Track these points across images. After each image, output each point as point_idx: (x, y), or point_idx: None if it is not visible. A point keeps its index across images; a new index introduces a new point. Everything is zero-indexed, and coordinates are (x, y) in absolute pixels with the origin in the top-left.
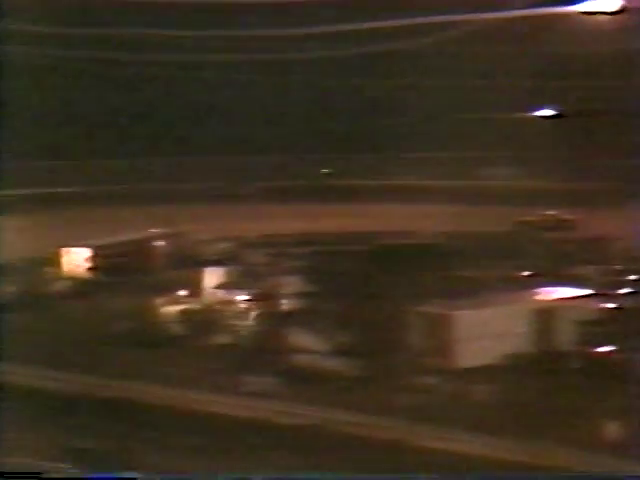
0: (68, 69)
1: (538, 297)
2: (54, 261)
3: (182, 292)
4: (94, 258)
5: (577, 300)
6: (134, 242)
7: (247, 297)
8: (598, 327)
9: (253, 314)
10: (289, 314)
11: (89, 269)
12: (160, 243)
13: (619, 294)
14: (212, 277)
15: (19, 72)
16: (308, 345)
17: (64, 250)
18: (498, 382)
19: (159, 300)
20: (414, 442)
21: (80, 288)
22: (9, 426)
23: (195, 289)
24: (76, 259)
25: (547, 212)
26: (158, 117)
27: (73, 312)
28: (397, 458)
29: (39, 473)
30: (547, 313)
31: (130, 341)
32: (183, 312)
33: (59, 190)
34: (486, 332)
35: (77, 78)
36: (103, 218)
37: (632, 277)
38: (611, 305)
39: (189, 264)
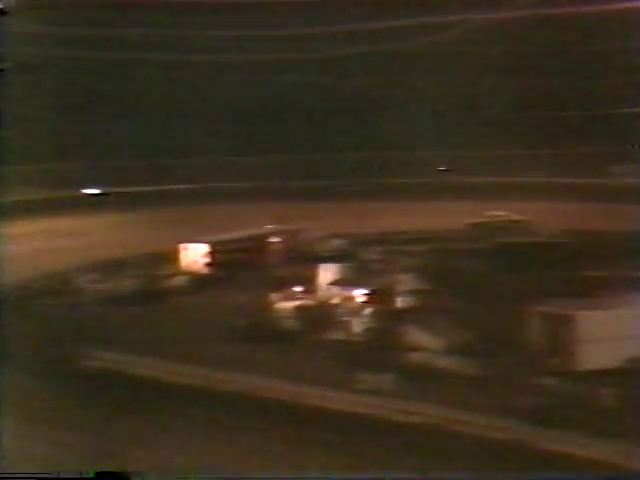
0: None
1: None
2: (172, 256)
3: (297, 288)
4: (211, 254)
5: None
6: (250, 238)
7: (362, 294)
8: None
9: (368, 311)
10: (404, 312)
11: (206, 264)
12: (275, 240)
13: None
14: (327, 274)
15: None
16: (424, 343)
17: (182, 246)
18: (621, 386)
19: (274, 296)
20: (532, 444)
21: (197, 283)
22: (125, 417)
23: (310, 285)
24: (193, 254)
25: None
26: (273, 116)
27: (190, 306)
28: (514, 460)
29: (38, 473)
30: None
31: (246, 336)
32: (298, 308)
33: (178, 187)
34: (610, 334)
35: (193, 78)
36: (220, 215)
37: None
38: None
39: (304, 261)
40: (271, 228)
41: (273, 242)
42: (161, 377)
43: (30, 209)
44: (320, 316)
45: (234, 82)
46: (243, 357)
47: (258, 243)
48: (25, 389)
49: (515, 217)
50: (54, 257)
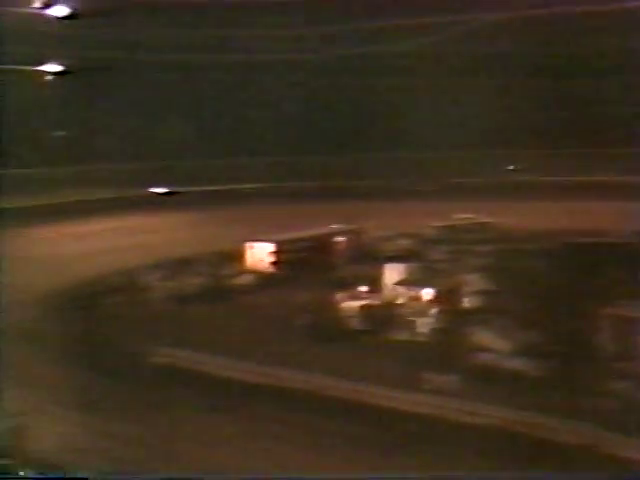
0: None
1: None
2: (238, 255)
3: (362, 288)
4: (277, 253)
5: None
6: (316, 238)
7: (428, 294)
8: None
9: (434, 311)
10: (470, 312)
11: (272, 263)
12: (341, 239)
13: None
14: (392, 273)
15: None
16: (490, 344)
17: (248, 245)
18: None
19: (339, 295)
20: (601, 447)
21: (262, 282)
22: (187, 411)
23: (375, 285)
24: (259, 253)
25: None
26: (339, 115)
27: (255, 305)
28: (582, 463)
29: (44, 474)
30: None
31: (311, 335)
32: (363, 307)
33: (244, 187)
34: None
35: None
36: (286, 214)
37: None
38: None
39: (369, 260)
40: (337, 227)
41: (338, 241)
42: (226, 374)
43: (100, 208)
44: (385, 316)
45: (301, 82)
46: (307, 356)
47: (323, 242)
48: (95, 386)
49: (483, 219)
50: (123, 255)
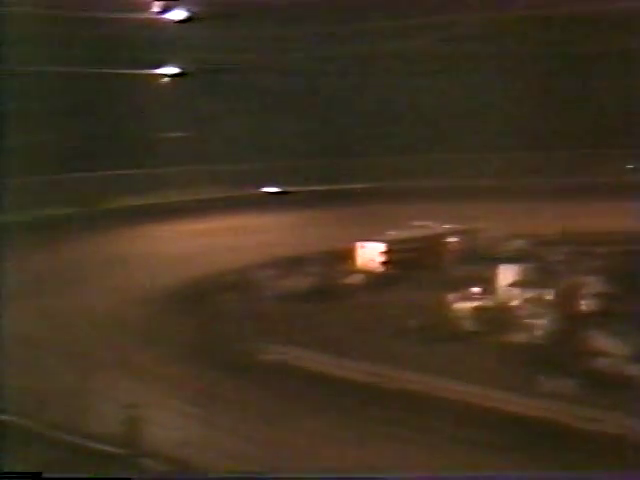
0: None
1: None
2: (349, 255)
3: (475, 289)
4: (388, 253)
5: None
6: (427, 238)
7: (543, 296)
8: None
9: (550, 314)
10: (588, 315)
11: (382, 263)
12: (453, 239)
13: None
14: (507, 274)
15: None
16: (608, 349)
17: (359, 244)
18: None
19: (452, 296)
20: None
21: (373, 282)
22: (300, 408)
23: (489, 286)
24: (370, 253)
25: None
26: (450, 114)
27: (366, 305)
28: None
29: (39, 473)
30: None
31: (422, 335)
32: (476, 309)
33: (355, 186)
34: None
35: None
36: (397, 214)
37: None
38: None
39: (483, 261)
40: (449, 227)
41: (451, 242)
42: (335, 373)
43: (214, 207)
44: (499, 318)
45: (412, 78)
46: (419, 356)
47: (436, 242)
48: (209, 381)
49: (438, 228)
50: (235, 254)
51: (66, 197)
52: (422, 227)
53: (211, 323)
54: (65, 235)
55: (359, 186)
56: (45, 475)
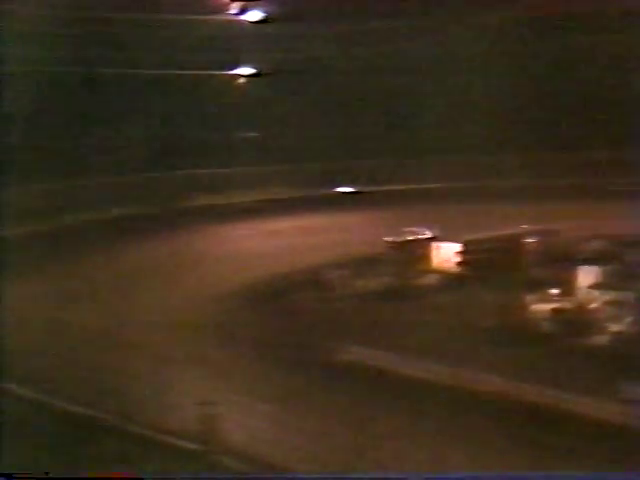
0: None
1: None
2: (424, 255)
3: (554, 290)
4: (463, 253)
5: None
6: (505, 238)
7: (623, 298)
8: None
9: (629, 316)
10: None
11: (458, 263)
12: (531, 240)
13: None
14: (587, 276)
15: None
16: None
17: (434, 244)
18: None
19: (529, 297)
20: None
21: (448, 282)
22: (375, 408)
23: (568, 288)
24: (445, 253)
25: None
26: (525, 113)
27: (441, 305)
28: None
29: (46, 473)
30: None
31: (498, 337)
32: (554, 311)
33: (431, 186)
34: None
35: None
36: (473, 213)
37: None
38: None
39: (562, 262)
40: (528, 228)
41: (529, 242)
42: (410, 374)
43: (289, 207)
44: (578, 320)
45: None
46: (494, 358)
47: (513, 243)
48: (283, 380)
49: (427, 233)
50: (309, 253)
51: (144, 196)
52: (500, 227)
53: (286, 322)
54: (142, 234)
55: (434, 186)
56: (51, 475)
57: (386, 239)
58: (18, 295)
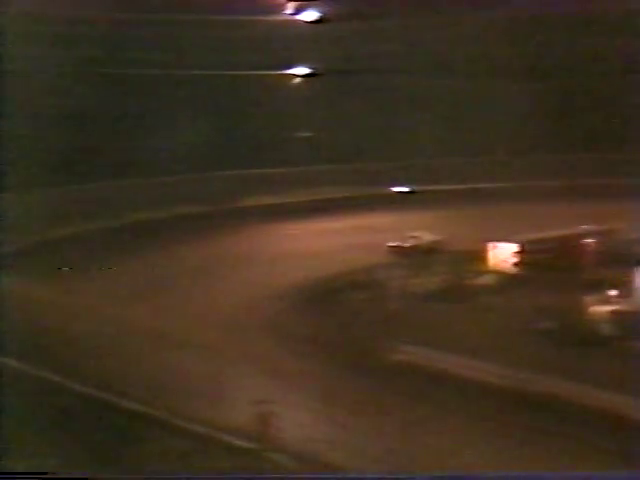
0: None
1: None
2: (480, 255)
3: (612, 292)
4: (520, 253)
5: None
6: (562, 238)
7: None
8: None
9: None
10: None
11: (515, 264)
12: (590, 240)
13: None
14: None
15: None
16: None
17: (490, 244)
18: None
19: (587, 299)
20: None
21: (505, 283)
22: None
23: (627, 289)
24: (502, 254)
25: None
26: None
27: (497, 306)
28: None
29: (44, 473)
30: None
31: (555, 338)
32: (613, 313)
33: (486, 186)
34: None
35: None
36: (531, 214)
37: None
38: None
39: (621, 263)
40: (585, 228)
41: (586, 243)
42: (465, 374)
43: (342, 206)
44: (637, 322)
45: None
46: (550, 360)
47: (570, 243)
48: (336, 378)
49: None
50: (364, 252)
51: (198, 196)
52: (558, 227)
53: (340, 321)
54: (197, 233)
55: (491, 185)
56: (49, 475)
57: (439, 239)
58: (83, 290)
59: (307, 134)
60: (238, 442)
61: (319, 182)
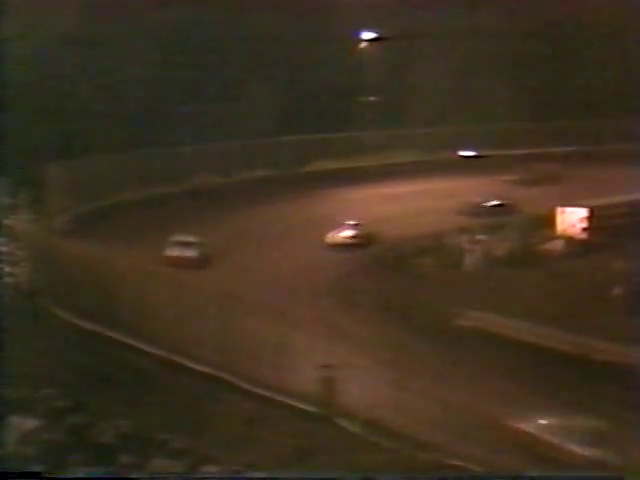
0: None
1: None
2: (549, 220)
3: None
4: (589, 218)
5: None
6: (635, 203)
7: None
8: None
9: None
10: None
11: (584, 229)
12: None
13: None
14: None
15: None
16: None
17: (559, 209)
18: None
19: None
20: None
21: (574, 248)
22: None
23: None
24: (571, 219)
25: None
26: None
27: (565, 272)
28: None
29: (39, 473)
30: None
31: (627, 305)
32: None
33: (553, 150)
34: None
35: None
36: (602, 178)
37: None
38: None
39: None
40: None
41: None
42: (532, 341)
43: (408, 171)
44: None
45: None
46: (623, 327)
47: None
48: (403, 344)
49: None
50: (430, 218)
51: (266, 161)
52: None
53: (408, 287)
54: (265, 197)
55: (559, 149)
56: (45, 475)
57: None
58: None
59: (376, 98)
60: (303, 406)
61: (387, 147)
